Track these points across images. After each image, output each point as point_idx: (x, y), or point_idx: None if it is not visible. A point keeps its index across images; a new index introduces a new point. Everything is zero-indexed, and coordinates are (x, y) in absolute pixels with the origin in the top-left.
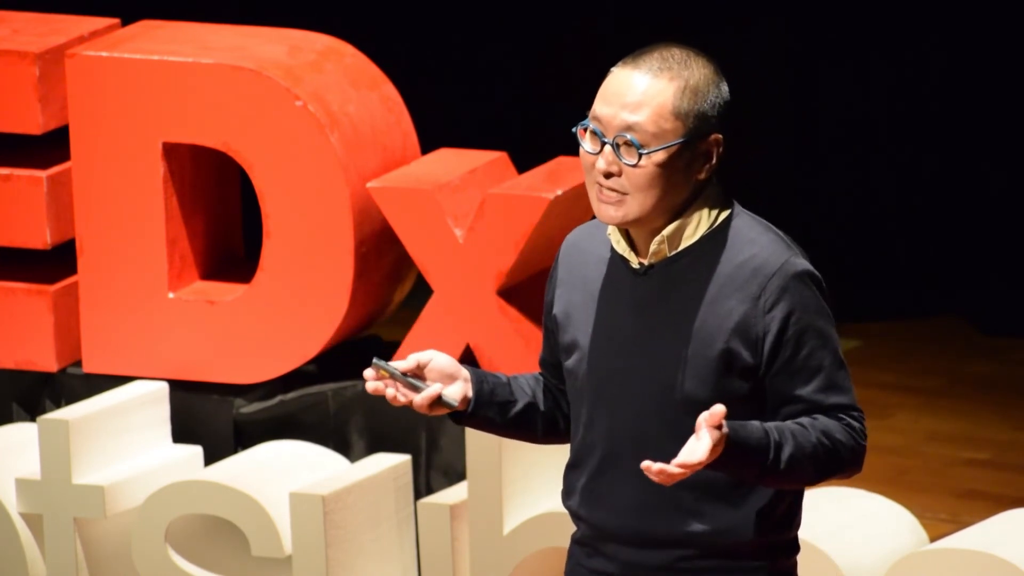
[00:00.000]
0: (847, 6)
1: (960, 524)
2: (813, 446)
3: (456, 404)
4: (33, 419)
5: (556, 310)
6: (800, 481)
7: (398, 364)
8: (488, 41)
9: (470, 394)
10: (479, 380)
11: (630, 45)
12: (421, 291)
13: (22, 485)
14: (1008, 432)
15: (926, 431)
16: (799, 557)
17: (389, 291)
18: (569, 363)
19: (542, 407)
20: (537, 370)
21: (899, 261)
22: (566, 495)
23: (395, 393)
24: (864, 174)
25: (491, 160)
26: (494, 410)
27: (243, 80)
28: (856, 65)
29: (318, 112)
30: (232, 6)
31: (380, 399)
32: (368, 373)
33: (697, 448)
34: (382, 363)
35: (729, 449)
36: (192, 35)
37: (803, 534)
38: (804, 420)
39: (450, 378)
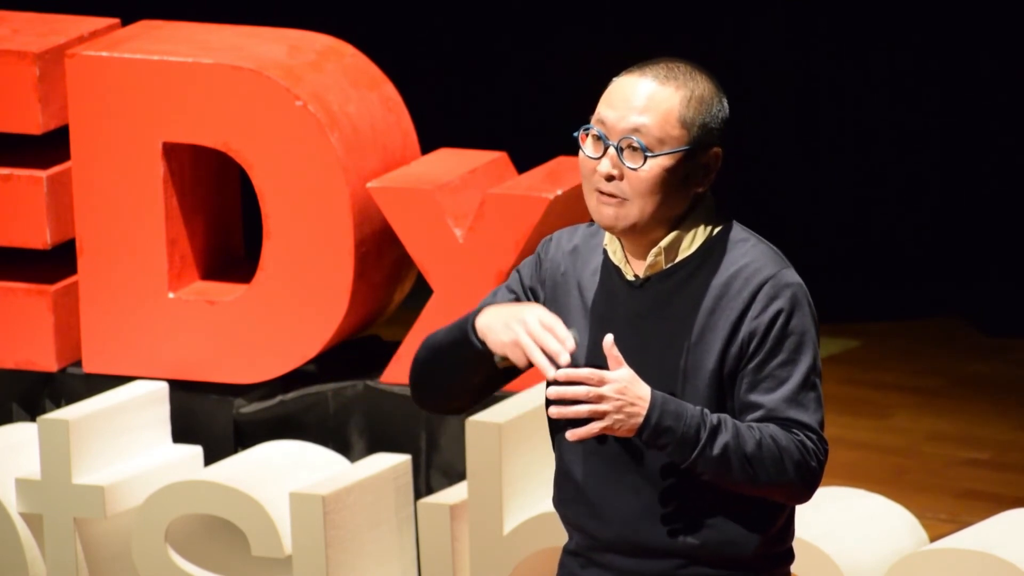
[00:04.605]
0: (848, 5)
1: (960, 524)
2: (756, 445)
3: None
4: (33, 419)
5: (548, 305)
6: (739, 478)
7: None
8: (488, 41)
9: None
10: None
11: (630, 44)
12: (421, 291)
13: (22, 485)
14: (1008, 432)
15: (926, 431)
16: (801, 557)
17: (389, 291)
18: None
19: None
20: None
21: (900, 261)
22: (559, 503)
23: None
24: (865, 174)
25: (491, 160)
26: None
27: (243, 80)
28: (857, 64)
29: (318, 112)
30: (232, 6)
31: (380, 399)
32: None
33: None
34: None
35: (660, 415)
36: (192, 35)
37: (803, 534)
38: (754, 424)
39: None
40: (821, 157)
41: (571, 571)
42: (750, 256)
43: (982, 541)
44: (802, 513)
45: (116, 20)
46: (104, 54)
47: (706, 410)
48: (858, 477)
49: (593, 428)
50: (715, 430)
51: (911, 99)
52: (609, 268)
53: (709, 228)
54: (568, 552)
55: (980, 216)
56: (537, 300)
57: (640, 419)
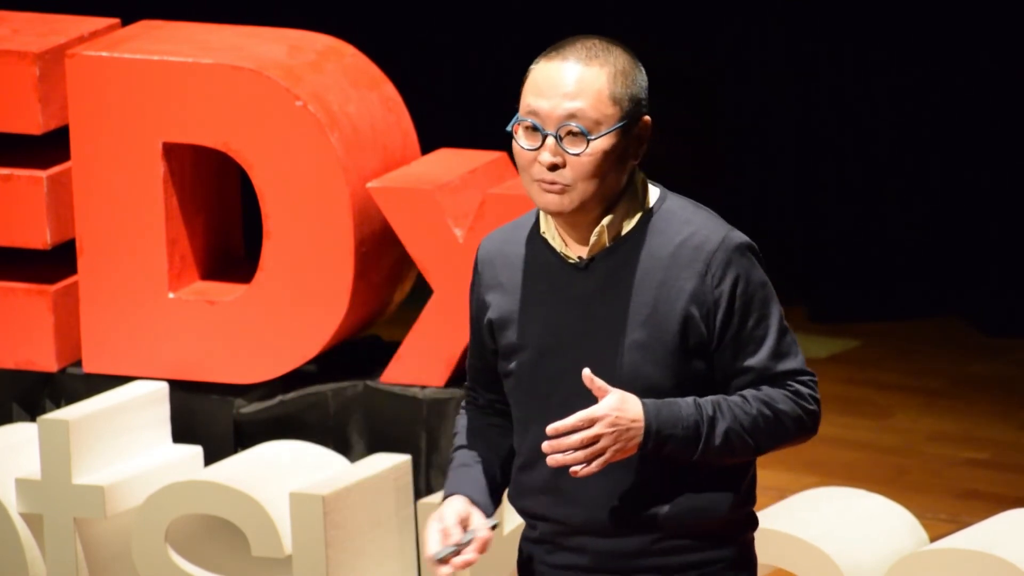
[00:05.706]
0: (848, 6)
1: (960, 524)
2: (752, 419)
3: (498, 521)
4: (33, 419)
5: (492, 315)
6: (741, 454)
7: (456, 538)
8: (488, 41)
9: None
10: (471, 491)
11: (631, 45)
12: (421, 291)
13: (22, 485)
14: (1008, 432)
15: (926, 431)
16: (802, 557)
17: (389, 291)
18: (511, 366)
19: (503, 454)
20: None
21: (900, 261)
22: (518, 496)
23: (460, 559)
24: (864, 174)
25: (491, 160)
26: (496, 495)
27: (243, 80)
28: (857, 66)
29: (318, 112)
30: (232, 6)
31: (380, 399)
32: (444, 572)
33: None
34: (445, 551)
35: (658, 427)
36: (192, 35)
37: (803, 534)
38: (747, 392)
39: (468, 511)
40: (821, 157)
41: (538, 558)
42: (693, 224)
43: (982, 541)
44: (802, 513)
45: (116, 20)
46: (104, 54)
47: (698, 400)
48: (858, 477)
49: (593, 467)
50: (712, 420)
51: (911, 99)
52: (548, 254)
53: (646, 199)
54: (530, 540)
55: (980, 216)
56: (486, 316)
57: (640, 439)
